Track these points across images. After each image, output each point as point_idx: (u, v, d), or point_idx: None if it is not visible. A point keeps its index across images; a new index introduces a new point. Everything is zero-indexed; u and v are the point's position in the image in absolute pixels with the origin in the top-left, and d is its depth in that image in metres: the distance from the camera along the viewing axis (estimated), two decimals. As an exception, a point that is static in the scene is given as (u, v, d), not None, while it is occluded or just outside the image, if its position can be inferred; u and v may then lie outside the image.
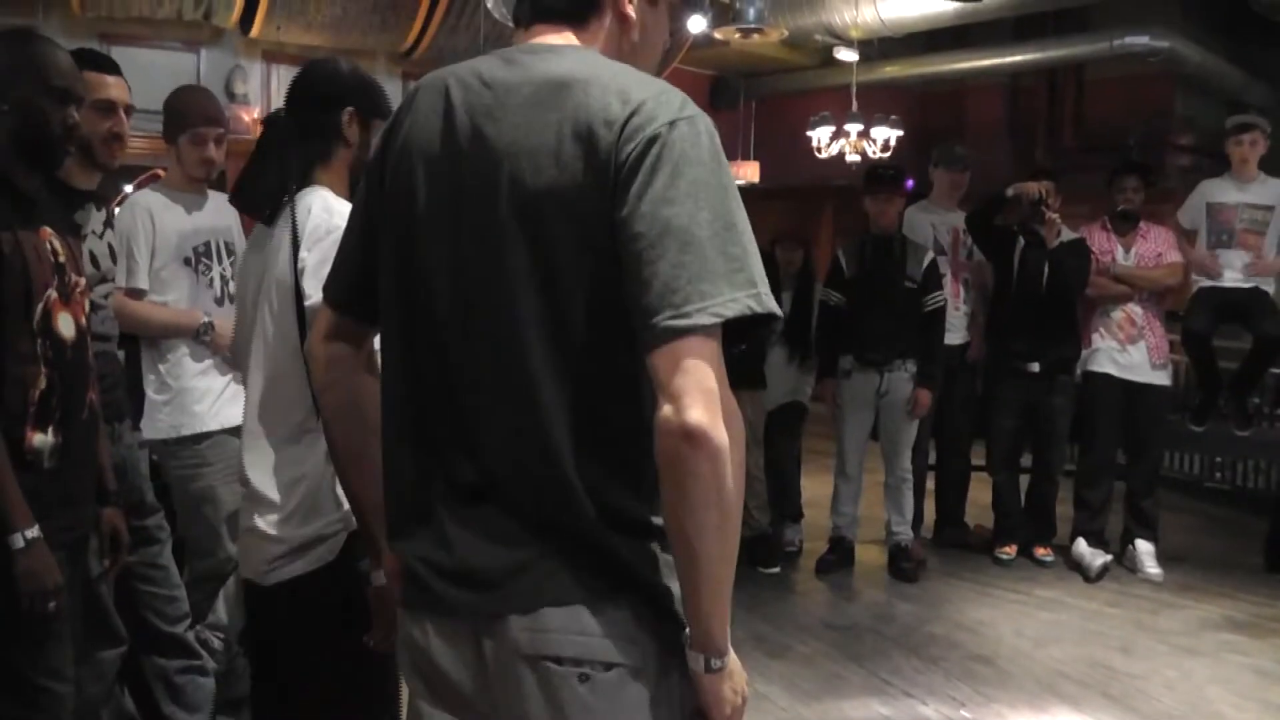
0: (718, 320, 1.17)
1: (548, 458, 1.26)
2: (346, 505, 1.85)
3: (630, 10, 1.41)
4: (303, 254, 1.88)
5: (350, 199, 1.93)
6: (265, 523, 1.93)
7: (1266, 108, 10.39)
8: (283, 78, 7.47)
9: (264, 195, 2.00)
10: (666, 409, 1.16)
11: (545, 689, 1.26)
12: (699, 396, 1.16)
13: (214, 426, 3.09)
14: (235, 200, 2.15)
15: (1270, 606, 4.79)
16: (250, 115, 7.00)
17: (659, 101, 1.24)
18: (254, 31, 6.99)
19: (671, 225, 1.18)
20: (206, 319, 3.08)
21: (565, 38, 1.39)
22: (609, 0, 1.40)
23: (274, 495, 1.93)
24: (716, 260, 1.18)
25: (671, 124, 1.22)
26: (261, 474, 1.96)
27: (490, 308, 1.29)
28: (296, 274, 1.88)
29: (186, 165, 3.13)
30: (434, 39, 7.50)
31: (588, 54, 1.36)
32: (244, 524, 2.02)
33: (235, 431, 3.07)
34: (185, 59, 7.03)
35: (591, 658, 1.26)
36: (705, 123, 1.25)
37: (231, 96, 7.02)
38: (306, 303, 1.85)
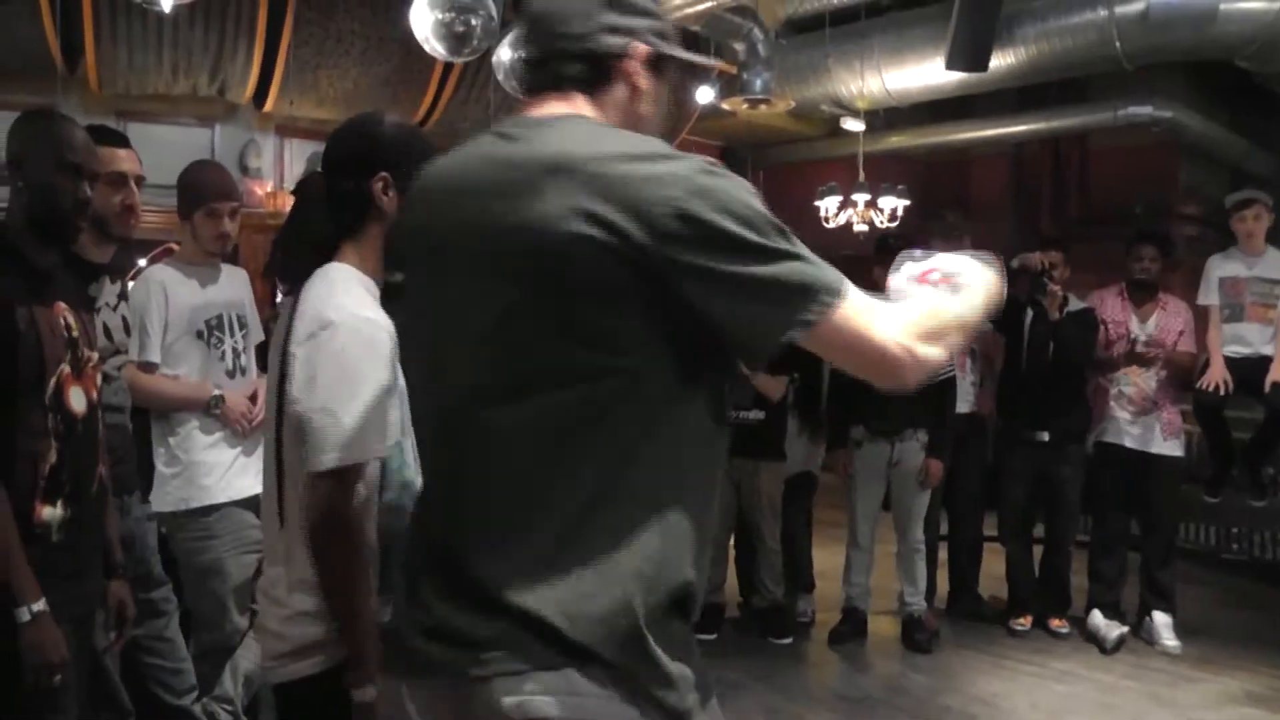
0: None
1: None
2: None
3: (640, 81, 1.44)
4: (292, 347, 1.77)
5: (378, 274, 1.88)
6: (273, 619, 1.86)
7: (1269, 177, 10.48)
8: (296, 151, 7.60)
9: (293, 268, 1.88)
10: None
11: None
12: None
13: (222, 499, 3.09)
14: (268, 271, 2.06)
15: (1291, 679, 4.72)
16: (264, 189, 7.14)
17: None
18: (267, 106, 7.13)
19: None
20: (217, 392, 3.10)
21: (575, 106, 1.42)
22: (619, 70, 1.43)
23: (283, 592, 1.84)
24: None
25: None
26: (275, 568, 1.88)
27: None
28: (282, 362, 1.80)
29: (201, 240, 3.17)
30: (445, 111, 7.62)
31: (591, 125, 1.39)
32: (259, 620, 1.95)
33: (244, 504, 3.09)
34: (200, 134, 7.16)
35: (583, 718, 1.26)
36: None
37: (245, 170, 7.15)
38: (294, 407, 1.73)
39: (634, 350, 1.27)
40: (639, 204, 1.23)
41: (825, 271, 1.29)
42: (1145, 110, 8.93)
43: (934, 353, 1.34)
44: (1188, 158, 10.66)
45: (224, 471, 3.11)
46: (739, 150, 10.57)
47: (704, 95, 7.67)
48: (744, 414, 4.96)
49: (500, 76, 5.69)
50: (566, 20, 1.42)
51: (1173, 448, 5.12)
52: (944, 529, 5.54)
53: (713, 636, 5.02)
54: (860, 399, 4.97)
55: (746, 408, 4.96)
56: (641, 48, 1.44)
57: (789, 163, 10.90)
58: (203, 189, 3.15)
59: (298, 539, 1.78)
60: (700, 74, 1.67)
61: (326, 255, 1.86)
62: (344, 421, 1.68)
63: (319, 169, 1.96)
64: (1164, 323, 5.12)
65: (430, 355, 1.43)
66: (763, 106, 6.88)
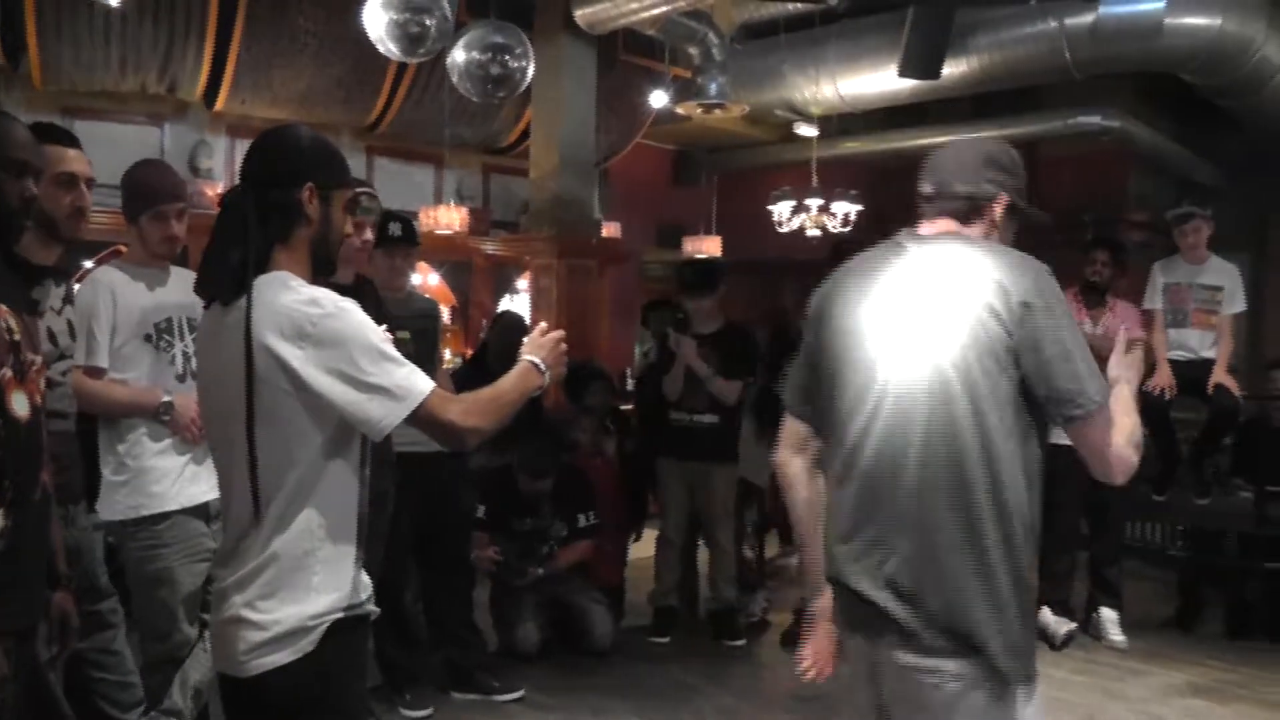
0: None
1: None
2: (326, 596, 1.88)
3: (997, 219, 2.06)
4: (276, 346, 1.82)
5: (313, 278, 1.95)
6: (245, 609, 1.87)
7: (1214, 187, 10.70)
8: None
9: (225, 281, 1.90)
10: None
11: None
12: None
13: (173, 507, 3.04)
14: (199, 289, 2.01)
15: (1234, 671, 4.82)
16: (214, 190, 6.98)
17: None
18: (218, 105, 7.03)
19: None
20: (167, 398, 3.04)
21: (952, 228, 2.05)
22: (987, 210, 2.06)
23: (251, 580, 1.87)
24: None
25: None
26: (238, 559, 1.90)
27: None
28: (249, 361, 1.83)
29: (149, 243, 3.10)
30: (399, 113, 7.57)
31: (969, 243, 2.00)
32: (219, 615, 1.94)
33: (194, 511, 3.04)
34: (149, 133, 7.05)
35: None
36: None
37: (195, 171, 7.01)
38: (342, 386, 1.82)
39: None
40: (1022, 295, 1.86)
41: None
42: (1095, 120, 9.08)
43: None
44: (1136, 167, 10.85)
45: (175, 479, 3.06)
46: (694, 154, 10.60)
47: (658, 99, 7.70)
48: (697, 418, 4.97)
49: (455, 79, 5.66)
50: (961, 172, 2.07)
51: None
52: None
53: (666, 639, 5.03)
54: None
55: (700, 411, 4.97)
56: (1005, 197, 2.06)
57: (743, 167, 10.96)
58: (148, 191, 3.09)
59: (275, 529, 1.86)
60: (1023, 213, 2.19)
61: (259, 266, 1.89)
62: (402, 370, 1.85)
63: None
64: (1112, 325, 5.20)
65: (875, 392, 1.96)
66: (717, 111, 6.91)
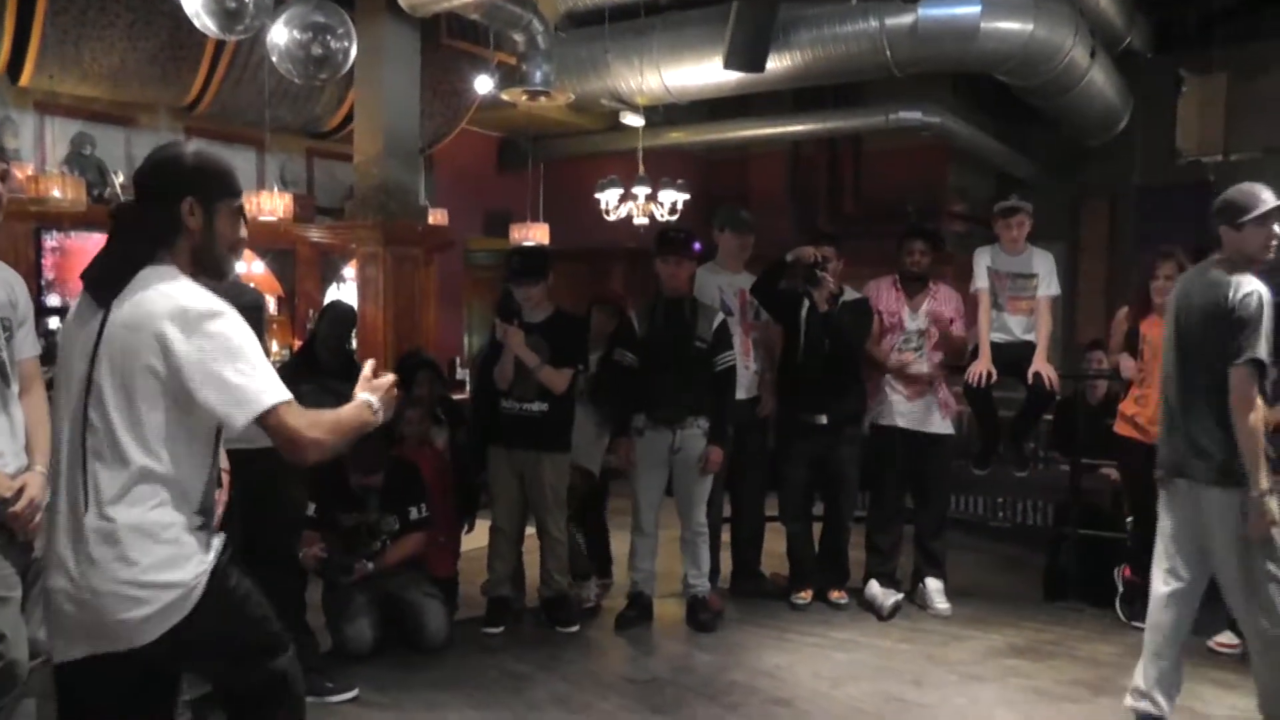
0: None
1: None
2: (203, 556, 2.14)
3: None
4: (167, 331, 2.02)
5: (195, 280, 2.14)
6: (124, 583, 2.04)
7: (1029, 181, 11.25)
8: (59, 131, 7.05)
9: (110, 280, 2.09)
10: None
11: None
12: None
13: None
14: (89, 287, 2.14)
15: (1049, 631, 5.04)
16: (24, 173, 6.49)
17: None
18: (23, 80, 6.60)
19: None
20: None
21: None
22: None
23: (131, 552, 2.05)
24: None
25: None
26: (100, 537, 2.05)
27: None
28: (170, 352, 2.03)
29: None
30: (218, 93, 7.28)
31: None
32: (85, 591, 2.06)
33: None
34: (-55, 110, 6.57)
35: None
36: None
37: (1, 152, 6.51)
38: (198, 379, 2.03)
39: None
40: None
41: None
42: (915, 115, 9.42)
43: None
44: (956, 161, 11.32)
45: None
46: (519, 142, 10.50)
47: (483, 85, 7.59)
48: (526, 406, 4.90)
49: (275, 59, 5.45)
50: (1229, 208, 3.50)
51: (945, 427, 5.39)
52: (727, 512, 5.63)
53: (500, 629, 4.95)
54: (641, 388, 5.00)
55: (530, 400, 4.90)
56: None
57: (570, 156, 10.93)
58: None
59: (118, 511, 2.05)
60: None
61: (136, 265, 2.11)
62: (261, 374, 2.06)
63: (130, 191, 2.24)
64: (935, 310, 5.36)
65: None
66: (542, 99, 6.82)
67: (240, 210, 2.27)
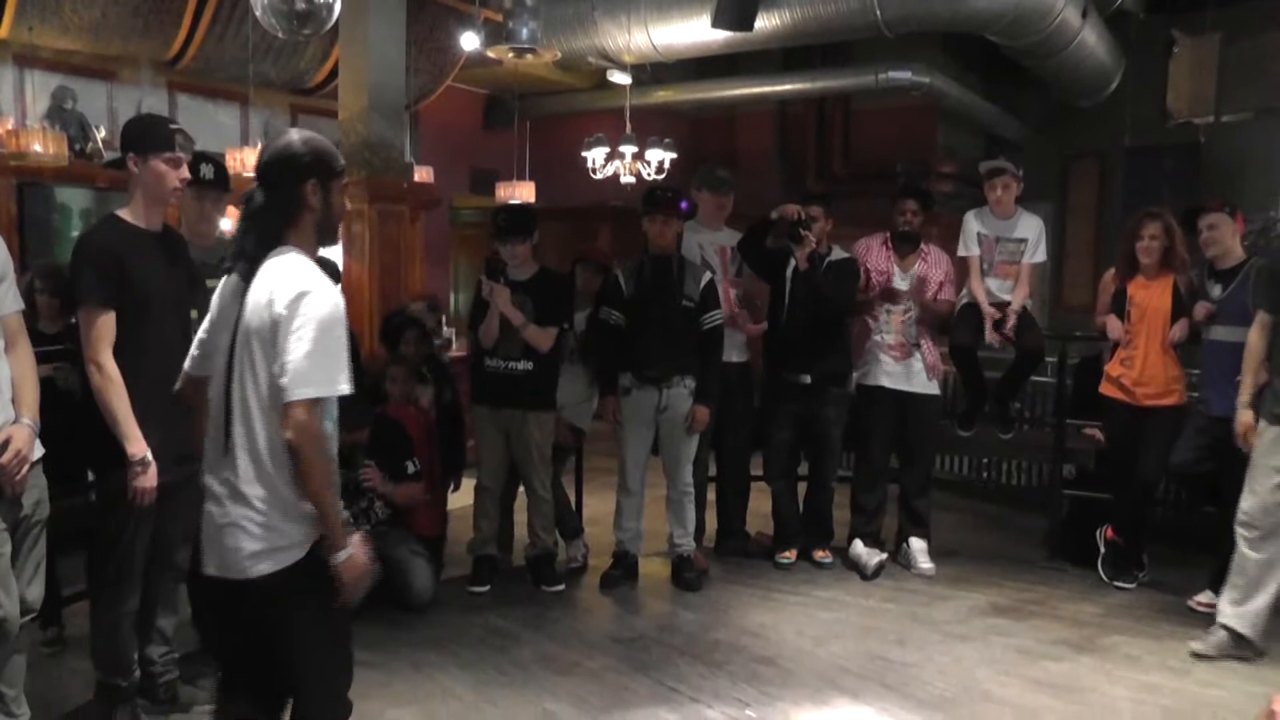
0: None
1: None
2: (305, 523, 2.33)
3: None
4: (278, 308, 2.24)
5: (316, 248, 2.45)
6: (247, 520, 2.29)
7: (1018, 143, 11.21)
8: (39, 84, 6.94)
9: (245, 257, 2.37)
10: None
11: None
12: None
13: None
14: (234, 261, 2.40)
15: (1030, 591, 5.07)
16: (3, 127, 6.38)
17: None
18: (2, 33, 6.47)
19: None
20: None
21: None
22: None
23: (259, 502, 2.30)
24: None
25: None
26: (249, 483, 2.31)
27: None
28: (274, 320, 2.25)
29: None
30: (201, 47, 7.17)
31: None
32: (222, 521, 2.32)
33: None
34: (-80, 64, 6.48)
35: None
36: None
37: (-21, 106, 6.45)
38: (278, 352, 2.23)
39: None
40: None
41: None
42: (905, 75, 9.35)
43: None
44: (945, 121, 11.26)
45: None
46: (505, 99, 10.40)
47: (469, 42, 7.50)
48: (512, 364, 4.88)
49: (258, 13, 5.34)
50: None
51: (932, 388, 5.38)
52: (713, 471, 5.64)
53: (485, 589, 4.96)
54: (628, 347, 4.98)
55: (515, 358, 4.88)
56: None
57: (556, 114, 10.85)
58: None
59: (261, 461, 2.31)
60: None
61: (270, 244, 2.38)
62: (319, 362, 2.25)
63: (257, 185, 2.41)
64: (926, 272, 5.34)
65: None
66: (529, 56, 6.74)
67: (345, 184, 2.51)
